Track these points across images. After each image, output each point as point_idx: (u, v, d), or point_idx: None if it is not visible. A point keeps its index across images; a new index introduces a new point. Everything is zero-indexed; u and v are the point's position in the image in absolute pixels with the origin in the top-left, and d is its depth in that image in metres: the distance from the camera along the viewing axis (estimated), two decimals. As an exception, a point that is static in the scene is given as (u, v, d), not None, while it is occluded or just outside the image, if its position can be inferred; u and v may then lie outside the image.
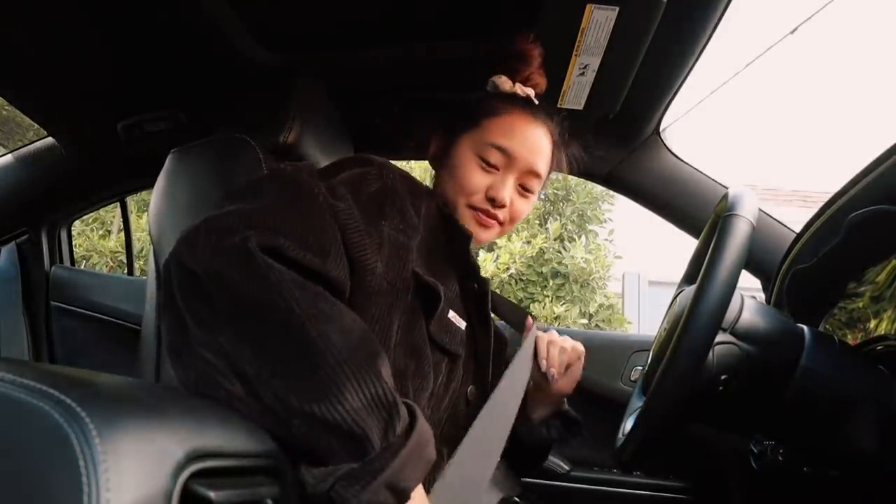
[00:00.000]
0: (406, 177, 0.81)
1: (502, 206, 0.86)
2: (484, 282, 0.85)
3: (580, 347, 0.92)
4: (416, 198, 0.79)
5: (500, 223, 0.89)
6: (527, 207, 0.91)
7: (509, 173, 0.87)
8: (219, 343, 0.51)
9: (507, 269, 4.56)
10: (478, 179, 0.86)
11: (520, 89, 0.92)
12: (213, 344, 0.52)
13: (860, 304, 0.86)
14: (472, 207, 0.87)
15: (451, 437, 0.75)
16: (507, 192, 0.86)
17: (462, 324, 0.79)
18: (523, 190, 0.89)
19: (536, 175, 0.88)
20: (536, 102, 0.93)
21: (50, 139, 1.42)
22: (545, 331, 0.94)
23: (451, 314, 0.77)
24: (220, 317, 0.52)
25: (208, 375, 0.51)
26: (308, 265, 0.57)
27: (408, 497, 0.52)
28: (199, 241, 0.54)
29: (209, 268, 0.53)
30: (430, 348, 0.73)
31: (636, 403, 0.90)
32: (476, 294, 0.83)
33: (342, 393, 0.49)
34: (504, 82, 0.92)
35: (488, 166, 0.86)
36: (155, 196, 1.01)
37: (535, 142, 0.88)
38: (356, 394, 0.50)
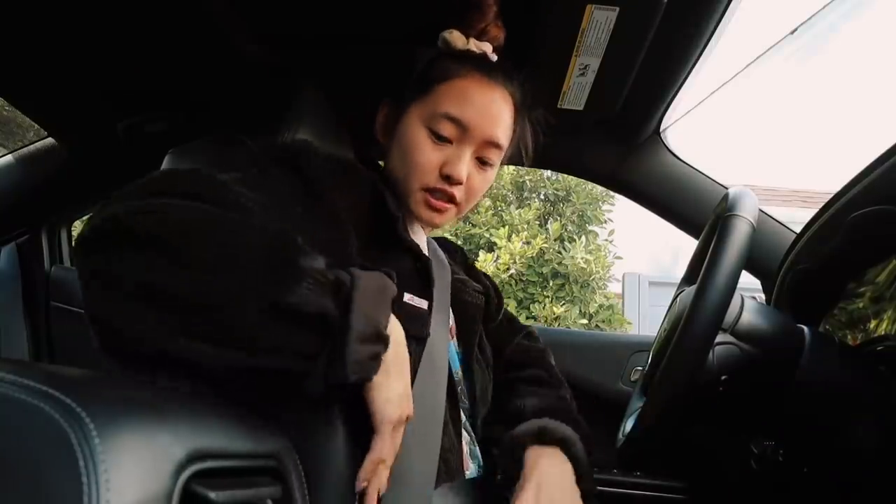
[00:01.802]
0: (329, 160, 0.74)
1: (459, 184, 0.78)
2: (426, 259, 0.77)
3: None
4: (346, 184, 0.73)
5: (457, 203, 0.81)
6: (485, 183, 0.83)
7: (465, 146, 0.78)
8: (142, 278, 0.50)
9: (507, 269, 4.56)
10: (430, 155, 0.77)
11: (474, 45, 0.83)
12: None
13: (860, 305, 0.86)
14: (426, 189, 0.78)
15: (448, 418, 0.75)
16: (464, 167, 0.78)
17: (423, 303, 0.74)
18: (481, 163, 0.81)
19: (496, 146, 0.80)
20: (494, 58, 0.84)
21: (50, 139, 1.42)
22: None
23: (408, 297, 0.72)
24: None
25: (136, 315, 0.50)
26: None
27: (386, 337, 0.57)
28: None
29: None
30: None
31: (636, 404, 0.90)
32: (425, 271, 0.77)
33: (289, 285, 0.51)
34: (457, 38, 0.82)
35: (440, 140, 0.77)
36: None
37: (492, 108, 0.79)
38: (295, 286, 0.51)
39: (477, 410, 0.85)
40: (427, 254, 0.82)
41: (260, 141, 0.86)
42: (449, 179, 0.78)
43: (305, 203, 0.67)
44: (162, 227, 0.51)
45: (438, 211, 0.80)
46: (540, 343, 1.07)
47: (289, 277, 0.51)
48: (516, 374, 0.96)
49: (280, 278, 0.51)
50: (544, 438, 0.78)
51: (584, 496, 0.76)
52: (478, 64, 0.81)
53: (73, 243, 0.57)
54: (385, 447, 0.59)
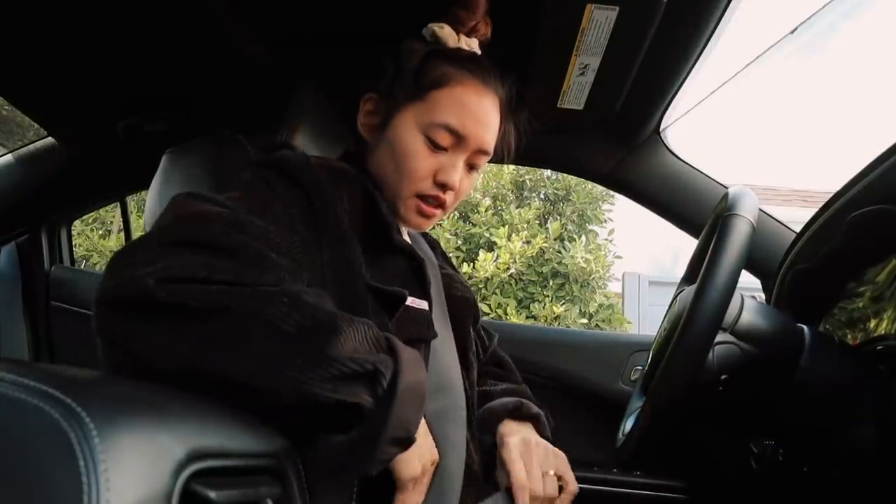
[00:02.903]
0: (328, 169, 0.74)
1: (452, 190, 0.80)
2: (420, 259, 0.78)
3: (572, 486, 0.77)
4: (343, 191, 0.73)
5: (445, 208, 0.82)
6: (471, 184, 0.84)
7: (459, 153, 0.79)
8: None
9: (507, 269, 4.56)
10: (426, 162, 0.78)
11: (465, 43, 0.83)
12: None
13: (860, 304, 0.86)
14: (419, 196, 0.79)
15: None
16: (458, 174, 0.79)
17: (424, 303, 0.75)
18: (469, 169, 0.82)
19: (486, 153, 0.82)
20: (478, 53, 0.85)
21: (50, 139, 1.42)
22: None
23: (410, 300, 0.73)
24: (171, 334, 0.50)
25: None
26: (220, 279, 0.53)
27: (412, 440, 0.56)
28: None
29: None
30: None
31: (636, 403, 0.90)
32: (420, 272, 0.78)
33: (303, 377, 0.50)
34: (448, 34, 0.82)
35: (437, 148, 0.78)
36: (150, 196, 1.01)
37: (486, 117, 0.80)
38: (319, 374, 0.50)
39: (474, 404, 0.85)
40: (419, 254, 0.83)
41: (259, 141, 0.86)
42: (444, 187, 0.79)
43: (307, 217, 0.67)
44: (193, 304, 0.49)
45: (428, 217, 0.81)
46: (495, 339, 1.05)
47: (324, 367, 0.50)
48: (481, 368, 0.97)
49: (314, 368, 0.50)
50: (519, 414, 0.83)
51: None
52: (471, 67, 0.81)
53: (96, 299, 0.56)
54: (409, 500, 0.62)
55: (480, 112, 0.79)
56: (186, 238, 0.54)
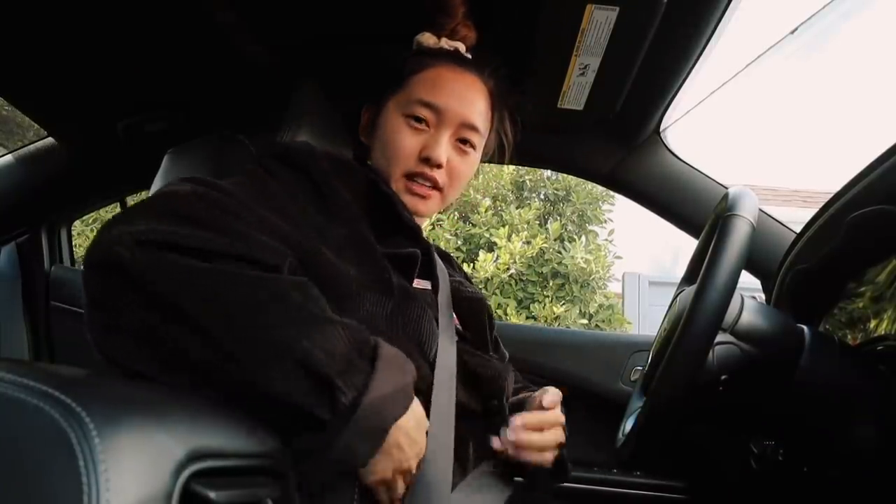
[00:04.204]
0: (329, 158, 0.75)
1: (438, 166, 0.80)
2: (426, 243, 0.79)
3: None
4: (347, 179, 0.74)
5: (440, 189, 0.82)
6: (467, 167, 0.84)
7: (442, 129, 0.80)
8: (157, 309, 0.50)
9: (507, 269, 4.56)
10: (408, 140, 0.80)
11: (446, 43, 0.86)
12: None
13: (860, 304, 0.86)
14: (408, 176, 0.80)
15: None
16: (443, 149, 0.80)
17: (427, 283, 0.77)
18: (461, 144, 0.83)
19: (473, 128, 0.82)
20: (468, 56, 0.88)
21: (50, 139, 1.42)
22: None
23: (416, 282, 0.75)
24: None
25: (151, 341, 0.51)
26: (199, 248, 0.54)
27: (361, 466, 0.55)
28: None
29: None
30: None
31: (636, 403, 0.90)
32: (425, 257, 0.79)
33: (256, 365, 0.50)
34: (428, 38, 0.86)
35: (418, 123, 0.80)
36: None
37: (465, 91, 0.82)
38: (274, 365, 0.51)
39: (491, 404, 0.83)
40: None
41: (260, 141, 0.87)
42: (428, 161, 0.80)
43: (317, 201, 0.69)
44: (172, 289, 0.50)
45: (421, 197, 0.81)
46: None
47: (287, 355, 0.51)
48: None
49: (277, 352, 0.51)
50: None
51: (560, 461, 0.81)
52: (449, 56, 0.84)
53: (85, 254, 0.57)
54: (384, 500, 0.60)
55: (457, 88, 0.82)
56: (168, 209, 0.55)
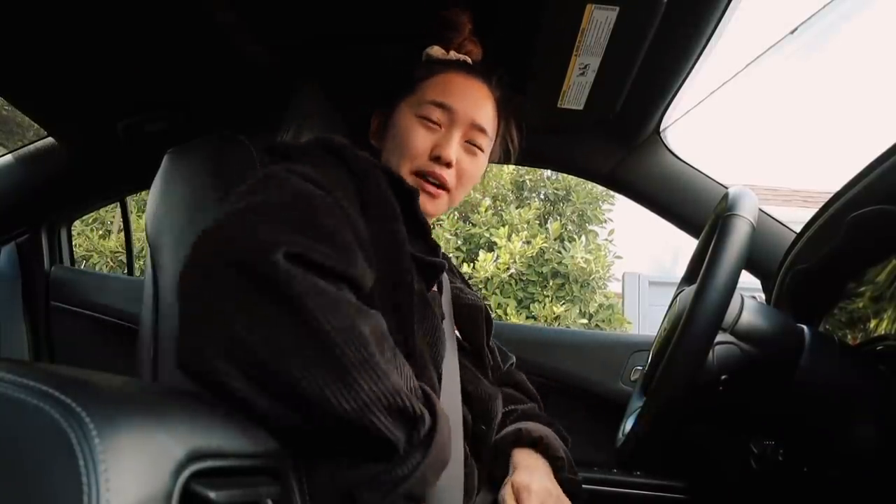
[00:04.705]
0: (360, 154, 0.76)
1: (448, 165, 0.83)
2: (436, 245, 0.80)
3: None
4: (374, 173, 0.74)
5: (448, 189, 0.84)
6: (475, 169, 0.87)
7: (453, 129, 0.83)
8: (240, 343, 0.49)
9: (507, 269, 4.56)
10: (421, 139, 0.82)
11: (454, 55, 0.90)
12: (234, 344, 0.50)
13: (860, 304, 0.86)
14: (418, 173, 0.83)
15: None
16: (453, 148, 0.82)
17: (434, 289, 0.79)
18: (470, 146, 0.86)
19: (482, 130, 0.85)
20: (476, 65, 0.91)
21: (50, 139, 1.42)
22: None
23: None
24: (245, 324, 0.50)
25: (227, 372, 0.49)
26: (332, 267, 0.55)
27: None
28: (214, 251, 0.52)
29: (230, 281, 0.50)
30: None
31: (636, 403, 0.90)
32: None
33: (370, 398, 0.50)
34: (437, 51, 0.90)
35: (430, 123, 0.83)
36: (151, 197, 1.01)
37: (475, 94, 0.86)
38: (380, 400, 0.50)
39: (478, 427, 0.83)
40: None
41: (260, 141, 0.87)
42: (439, 160, 0.82)
43: (359, 192, 0.70)
44: (315, 315, 0.50)
45: (430, 195, 0.83)
46: (510, 361, 1.08)
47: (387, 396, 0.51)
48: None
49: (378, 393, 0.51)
50: (521, 442, 0.84)
51: (567, 483, 0.81)
52: (457, 64, 0.88)
53: (182, 270, 0.54)
54: None
55: (467, 91, 0.85)
56: (309, 221, 0.56)
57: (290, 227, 0.54)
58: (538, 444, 0.83)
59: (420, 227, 0.77)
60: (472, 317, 0.91)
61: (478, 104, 0.85)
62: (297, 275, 0.50)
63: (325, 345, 0.49)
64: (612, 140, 1.34)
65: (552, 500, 0.75)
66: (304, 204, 0.59)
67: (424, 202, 0.82)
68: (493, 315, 1.05)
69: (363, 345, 0.51)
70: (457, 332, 0.87)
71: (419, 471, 0.53)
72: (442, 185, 0.83)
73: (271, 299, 0.49)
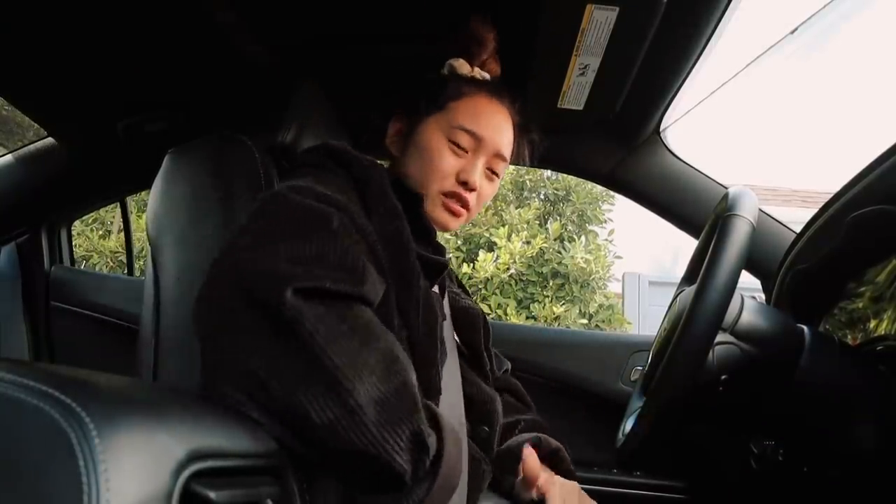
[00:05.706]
0: (358, 157, 0.78)
1: (473, 190, 0.86)
2: (441, 247, 0.83)
3: None
4: (376, 175, 0.77)
5: (469, 210, 0.88)
6: (491, 191, 0.92)
7: (478, 156, 0.86)
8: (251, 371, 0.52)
9: (507, 269, 4.56)
10: (449, 163, 0.85)
11: (478, 73, 0.93)
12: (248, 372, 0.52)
13: (860, 304, 0.86)
14: (444, 193, 0.85)
15: None
16: (478, 175, 0.86)
17: (435, 289, 0.80)
18: (490, 173, 0.89)
19: (503, 158, 0.89)
20: (502, 88, 0.93)
21: (50, 139, 1.42)
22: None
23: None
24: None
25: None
26: (344, 292, 0.57)
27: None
28: (228, 288, 0.54)
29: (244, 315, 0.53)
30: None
31: (636, 403, 0.90)
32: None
33: (377, 432, 0.51)
34: (462, 65, 0.92)
35: (459, 149, 0.86)
36: (152, 197, 1.01)
37: (500, 125, 0.88)
38: (393, 431, 0.52)
39: (480, 429, 0.85)
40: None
41: (260, 141, 0.87)
42: (465, 185, 0.85)
43: (362, 196, 0.72)
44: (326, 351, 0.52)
45: (454, 214, 0.86)
46: (506, 366, 1.09)
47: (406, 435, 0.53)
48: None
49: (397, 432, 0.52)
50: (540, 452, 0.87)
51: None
52: (485, 86, 0.90)
53: (197, 298, 0.56)
54: None
55: (494, 120, 0.88)
56: (332, 259, 0.58)
57: (300, 256, 0.56)
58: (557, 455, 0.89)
59: (424, 229, 0.80)
60: (470, 321, 0.92)
61: (501, 132, 0.88)
62: (305, 311, 0.52)
63: (334, 381, 0.51)
64: (612, 140, 1.34)
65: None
66: (313, 228, 0.60)
67: (447, 220, 0.86)
68: (492, 316, 1.05)
69: (372, 381, 0.52)
70: (455, 337, 0.88)
71: (425, 502, 0.54)
72: (465, 206, 0.86)
73: (280, 335, 0.52)
